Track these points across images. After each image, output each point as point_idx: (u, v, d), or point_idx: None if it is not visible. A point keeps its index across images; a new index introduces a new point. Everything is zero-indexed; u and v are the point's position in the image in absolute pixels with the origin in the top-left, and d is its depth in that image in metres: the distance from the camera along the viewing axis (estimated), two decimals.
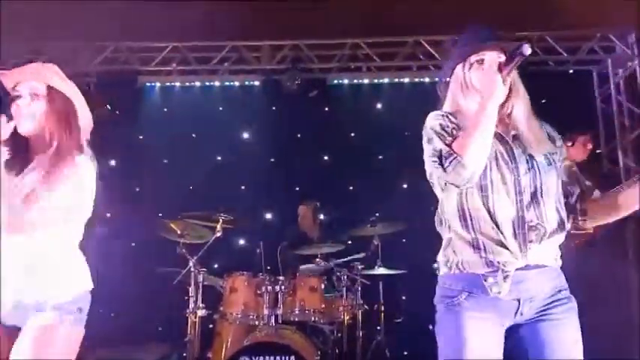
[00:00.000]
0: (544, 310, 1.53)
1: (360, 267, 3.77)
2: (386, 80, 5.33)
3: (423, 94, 5.20)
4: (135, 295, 4.88)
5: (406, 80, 5.31)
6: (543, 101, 5.40)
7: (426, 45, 5.15)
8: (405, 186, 5.19)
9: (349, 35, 5.11)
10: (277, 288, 3.54)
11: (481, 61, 1.61)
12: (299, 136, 5.42)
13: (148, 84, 5.37)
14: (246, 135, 5.53)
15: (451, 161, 1.48)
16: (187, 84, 5.41)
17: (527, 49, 1.44)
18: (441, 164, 1.50)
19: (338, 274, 3.79)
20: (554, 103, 4.83)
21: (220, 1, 4.54)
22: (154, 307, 4.51)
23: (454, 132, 1.55)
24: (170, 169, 5.28)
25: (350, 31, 5.07)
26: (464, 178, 1.47)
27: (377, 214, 4.55)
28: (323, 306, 3.62)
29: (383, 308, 4.02)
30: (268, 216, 5.38)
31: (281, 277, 3.60)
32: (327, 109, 5.41)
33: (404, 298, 4.72)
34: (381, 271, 4.00)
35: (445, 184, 1.55)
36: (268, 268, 3.95)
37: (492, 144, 1.53)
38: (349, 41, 5.17)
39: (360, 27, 4.99)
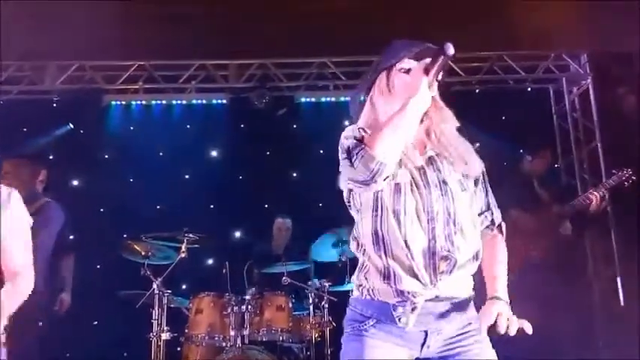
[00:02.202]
0: (452, 343, 1.48)
1: (327, 284, 3.78)
2: None
3: None
4: (100, 319, 4.81)
5: None
6: (503, 118, 5.67)
7: None
8: None
9: (316, 54, 5.21)
10: (243, 308, 3.53)
11: (407, 71, 1.54)
12: (267, 153, 5.46)
13: (113, 102, 5.32)
14: (214, 153, 5.53)
15: (358, 152, 1.40)
16: (154, 102, 5.38)
17: (450, 49, 1.38)
18: (349, 159, 1.42)
19: (306, 291, 3.80)
20: (513, 119, 5.12)
21: (186, 19, 4.59)
22: (119, 332, 4.39)
23: (363, 135, 1.49)
24: (136, 189, 5.21)
25: (317, 50, 5.16)
26: (372, 169, 1.37)
27: (346, 231, 4.61)
28: (291, 325, 3.62)
29: None
30: (237, 234, 5.35)
31: (247, 297, 3.59)
32: (295, 126, 5.48)
33: None
34: (350, 287, 4.02)
35: (361, 204, 1.52)
36: (237, 288, 3.93)
37: (407, 168, 1.48)
38: (316, 60, 5.27)
39: (326, 46, 5.10)
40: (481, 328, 1.46)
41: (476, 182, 1.57)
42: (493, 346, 1.52)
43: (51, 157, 5.13)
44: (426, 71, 1.44)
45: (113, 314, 4.39)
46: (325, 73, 5.33)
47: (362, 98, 1.64)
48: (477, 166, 1.57)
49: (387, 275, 1.46)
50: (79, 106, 5.10)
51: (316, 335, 3.72)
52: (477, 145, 1.65)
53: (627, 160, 5.04)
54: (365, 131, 1.52)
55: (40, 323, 4.60)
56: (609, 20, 4.75)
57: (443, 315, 1.46)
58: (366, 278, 1.52)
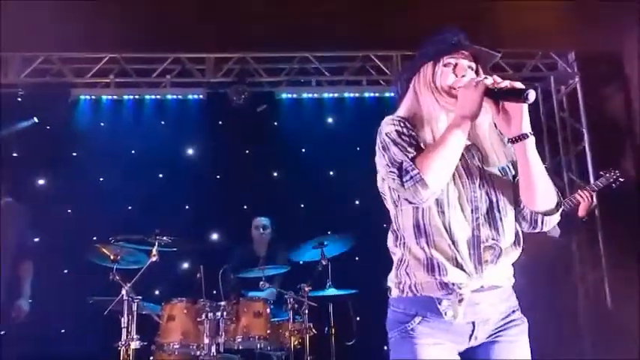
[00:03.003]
0: (498, 332, 1.52)
1: (307, 289, 3.70)
2: (336, 94, 5.36)
3: (374, 108, 5.30)
4: (67, 327, 4.65)
5: (356, 94, 5.34)
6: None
7: (376, 60, 5.23)
8: (357, 202, 5.20)
9: (298, 48, 5.13)
10: (218, 314, 3.44)
11: (451, 65, 1.55)
12: (247, 152, 5.35)
13: (82, 97, 5.15)
14: (190, 151, 5.40)
15: (412, 177, 1.39)
16: (125, 97, 5.23)
17: (532, 96, 1.40)
18: (400, 177, 1.41)
19: (285, 296, 3.72)
20: None
21: (161, 9, 4.45)
22: (86, 340, 4.24)
23: (412, 141, 1.47)
24: (107, 189, 5.05)
25: (299, 44, 5.08)
26: (422, 197, 1.39)
27: (328, 232, 4.54)
28: (269, 331, 3.55)
29: (333, 331, 3.96)
30: (214, 237, 5.22)
31: (222, 303, 3.50)
32: (276, 123, 5.39)
33: (358, 319, 4.68)
34: (330, 291, 3.96)
35: (399, 197, 1.50)
36: (214, 292, 3.82)
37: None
38: (298, 55, 5.19)
39: (309, 40, 5.01)
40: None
41: (515, 166, 1.54)
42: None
43: (15, 155, 4.94)
44: (488, 94, 1.44)
45: (81, 322, 4.25)
46: (307, 68, 5.25)
47: (400, 88, 1.64)
48: (509, 154, 1.57)
49: (430, 267, 1.47)
50: (46, 101, 4.94)
51: (296, 342, 3.65)
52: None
53: (615, 161, 5.09)
54: (406, 126, 1.51)
55: (3, 332, 4.45)
56: (597, 19, 4.77)
57: (489, 304, 1.48)
58: (407, 273, 1.51)
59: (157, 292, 4.62)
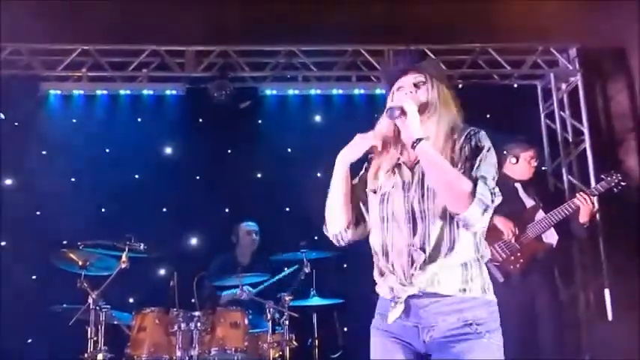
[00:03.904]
0: (447, 341, 1.59)
1: (287, 298, 3.59)
2: (324, 91, 5.23)
3: (364, 105, 5.18)
4: (31, 336, 4.51)
5: (346, 91, 5.20)
6: (488, 116, 5.50)
7: (366, 54, 5.10)
8: None
9: (283, 42, 5.00)
10: (192, 325, 3.34)
11: (401, 88, 1.77)
12: (229, 151, 5.21)
13: (52, 91, 4.98)
14: (168, 150, 5.23)
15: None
16: (99, 92, 5.06)
17: (392, 113, 1.66)
18: None
19: (266, 306, 3.60)
20: (499, 117, 4.96)
21: None
22: (50, 352, 4.13)
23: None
24: (78, 190, 4.90)
25: (284, 37, 4.95)
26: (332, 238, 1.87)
27: (315, 238, 4.41)
28: (246, 344, 3.45)
29: (317, 342, 3.89)
30: (194, 241, 5.07)
31: (197, 313, 3.39)
32: (260, 121, 5.24)
33: (346, 329, 4.54)
34: (314, 301, 3.85)
35: None
36: (193, 301, 3.67)
37: (392, 174, 1.71)
38: (283, 48, 5.05)
39: (295, 33, 4.88)
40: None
41: None
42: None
43: None
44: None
45: (47, 332, 4.10)
46: (294, 62, 5.13)
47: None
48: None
49: (381, 273, 1.73)
50: (13, 95, 4.76)
51: (276, 355, 3.57)
52: None
53: (618, 163, 4.97)
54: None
55: None
56: (600, 13, 4.66)
57: (431, 312, 1.61)
58: (374, 277, 1.78)
59: (131, 301, 4.50)
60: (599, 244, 4.83)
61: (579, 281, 4.92)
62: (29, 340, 4.56)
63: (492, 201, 1.57)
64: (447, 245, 1.61)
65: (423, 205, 1.63)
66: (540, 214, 3.92)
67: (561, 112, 5.29)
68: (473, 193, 1.54)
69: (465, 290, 1.59)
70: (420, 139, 1.60)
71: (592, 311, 4.84)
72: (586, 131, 5.07)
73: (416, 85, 1.73)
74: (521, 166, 4.09)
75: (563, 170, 5.17)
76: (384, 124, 1.73)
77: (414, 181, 1.67)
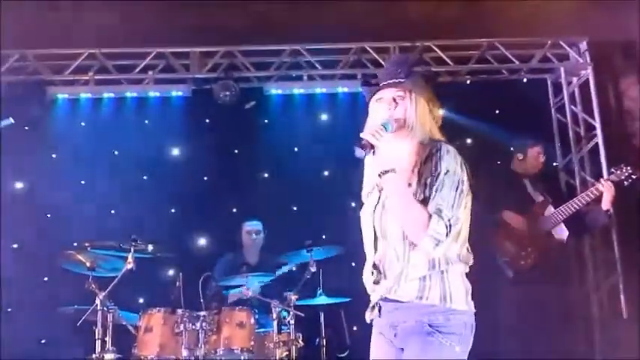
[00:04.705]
0: (402, 339, 1.78)
1: (293, 297, 3.63)
2: (329, 89, 5.24)
3: None
4: (47, 337, 4.58)
5: (351, 89, 5.23)
6: (497, 112, 5.48)
7: (372, 51, 5.11)
8: (353, 204, 5.07)
9: (288, 41, 5.03)
10: (198, 325, 3.39)
11: (381, 100, 1.85)
12: (236, 151, 5.27)
13: (60, 96, 5.10)
14: (175, 151, 5.32)
15: None
16: (106, 95, 5.16)
17: (357, 153, 1.71)
18: None
19: (272, 306, 3.65)
20: (508, 113, 4.95)
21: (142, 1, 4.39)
22: (60, 353, 4.23)
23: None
24: (88, 192, 5.01)
25: (289, 37, 4.98)
26: None
27: (323, 236, 4.44)
28: (253, 343, 3.50)
29: (324, 342, 3.91)
30: (202, 241, 5.15)
31: (203, 313, 3.45)
32: (266, 121, 5.29)
33: (355, 328, 4.58)
34: (321, 299, 3.89)
35: None
36: (201, 301, 3.74)
37: (371, 195, 1.87)
38: (288, 47, 5.08)
39: (299, 32, 4.91)
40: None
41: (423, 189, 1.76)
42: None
43: None
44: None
45: (57, 332, 4.20)
46: (299, 61, 5.16)
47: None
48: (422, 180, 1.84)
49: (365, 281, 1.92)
50: (23, 100, 4.87)
51: (283, 355, 3.59)
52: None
53: (632, 157, 4.92)
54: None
55: None
56: (610, 6, 4.62)
57: (397, 315, 1.79)
58: None
59: (140, 301, 4.59)
60: (612, 239, 4.80)
61: (592, 278, 4.89)
62: (42, 341, 4.68)
63: (448, 233, 1.66)
64: (401, 265, 1.74)
65: (382, 225, 1.79)
66: (550, 210, 3.92)
67: (572, 107, 5.26)
68: (425, 230, 1.65)
69: (421, 297, 1.72)
70: (386, 171, 1.69)
71: (606, 309, 4.80)
72: (598, 125, 5.04)
73: (395, 100, 1.81)
74: (528, 162, 4.12)
75: (575, 165, 5.15)
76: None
77: (379, 203, 1.82)
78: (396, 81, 1.83)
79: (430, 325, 1.70)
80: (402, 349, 1.81)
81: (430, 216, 1.65)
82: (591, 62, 5.10)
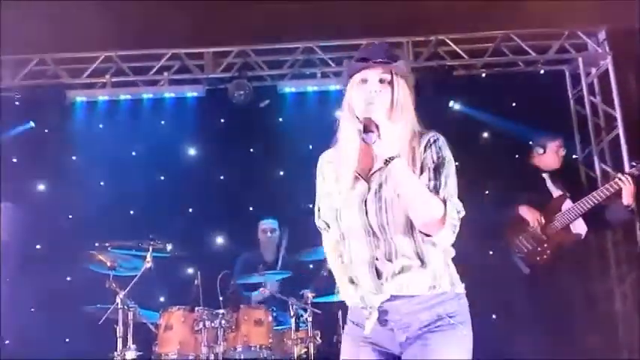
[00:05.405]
0: (418, 336, 1.64)
1: (310, 295, 3.69)
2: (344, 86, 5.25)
3: None
4: (67, 336, 4.75)
5: None
6: (513, 105, 5.43)
7: None
8: None
9: (301, 38, 5.08)
10: (217, 323, 3.48)
11: (364, 81, 1.69)
12: (251, 150, 5.35)
13: (79, 99, 5.22)
14: (191, 151, 5.43)
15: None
16: (123, 97, 5.27)
17: (368, 138, 1.58)
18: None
19: (289, 303, 3.72)
20: (525, 106, 4.91)
21: (156, 3, 4.45)
22: (82, 351, 4.31)
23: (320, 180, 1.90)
24: (108, 193, 5.13)
25: (301, 35, 5.02)
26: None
27: None
28: (271, 340, 3.57)
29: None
30: (220, 240, 5.23)
31: (221, 311, 3.54)
32: (280, 119, 5.35)
33: None
34: (339, 297, 3.88)
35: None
36: (221, 299, 3.82)
37: (352, 187, 1.68)
38: (301, 45, 5.12)
39: (312, 29, 4.93)
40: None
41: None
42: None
43: (14, 160, 5.05)
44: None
45: (80, 331, 4.31)
46: (312, 59, 5.20)
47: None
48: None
49: (350, 282, 1.73)
50: (42, 104, 5.02)
51: (301, 352, 3.65)
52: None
53: None
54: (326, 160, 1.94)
55: (7, 342, 4.58)
56: None
57: (406, 313, 1.64)
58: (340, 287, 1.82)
59: (161, 299, 4.69)
60: (634, 233, 4.74)
61: (614, 274, 4.83)
62: (67, 340, 4.82)
63: (459, 219, 1.61)
64: (416, 257, 1.63)
65: (381, 219, 1.64)
66: (568, 204, 3.87)
67: (591, 98, 5.20)
68: (444, 218, 1.57)
69: (434, 287, 1.63)
70: (392, 157, 1.56)
71: (629, 306, 4.75)
72: (618, 116, 4.99)
73: (381, 82, 1.66)
74: (549, 156, 4.05)
75: (595, 158, 5.10)
76: (352, 127, 1.71)
77: (370, 195, 1.66)
78: (388, 61, 1.65)
79: (449, 317, 1.63)
80: (397, 353, 1.68)
81: (445, 202, 1.58)
82: (610, 52, 5.04)
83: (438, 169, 1.62)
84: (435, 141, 1.66)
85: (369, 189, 1.67)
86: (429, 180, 1.61)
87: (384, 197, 1.65)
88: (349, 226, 1.69)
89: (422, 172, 1.63)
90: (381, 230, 1.64)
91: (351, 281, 1.71)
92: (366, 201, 1.66)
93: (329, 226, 1.81)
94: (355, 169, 1.68)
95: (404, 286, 1.63)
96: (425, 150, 1.65)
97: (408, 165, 1.60)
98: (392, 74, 1.65)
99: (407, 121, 1.66)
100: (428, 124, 1.75)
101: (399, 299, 1.64)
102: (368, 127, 1.56)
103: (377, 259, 1.65)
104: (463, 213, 1.63)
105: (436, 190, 1.59)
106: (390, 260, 1.64)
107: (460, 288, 1.69)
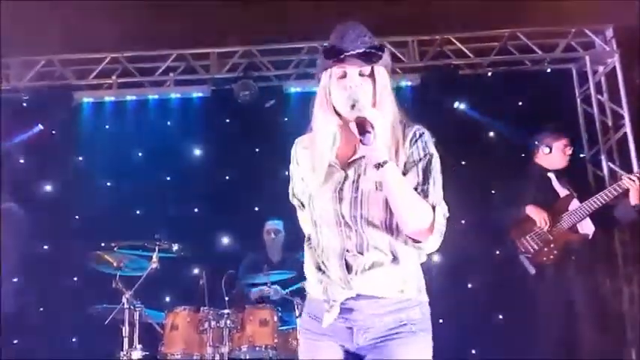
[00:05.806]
0: (380, 341, 1.60)
1: None
2: None
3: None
4: (75, 335, 4.81)
5: None
6: (520, 104, 5.42)
7: (390, 46, 5.11)
8: None
9: (306, 38, 5.08)
10: (222, 323, 3.49)
11: (343, 76, 1.63)
12: (256, 150, 5.36)
13: (85, 100, 5.27)
14: (197, 151, 5.45)
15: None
16: (129, 98, 5.32)
17: (366, 140, 1.50)
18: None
19: (294, 303, 3.75)
20: (532, 105, 4.90)
21: (162, 4, 4.48)
22: (88, 351, 4.38)
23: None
24: (114, 193, 5.19)
25: (306, 34, 5.02)
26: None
27: None
28: (276, 340, 3.58)
29: None
30: (225, 240, 5.25)
31: (226, 311, 3.55)
32: (286, 119, 5.34)
33: None
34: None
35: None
36: (226, 299, 3.84)
37: (326, 176, 1.63)
38: (306, 45, 5.14)
39: (317, 29, 4.93)
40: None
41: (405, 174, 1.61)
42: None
43: (21, 161, 5.10)
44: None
45: (87, 331, 4.36)
46: (317, 59, 5.15)
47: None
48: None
49: (319, 269, 1.66)
50: (49, 105, 5.06)
51: None
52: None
53: None
54: (299, 148, 1.87)
55: (15, 341, 4.63)
56: None
57: (367, 314, 1.59)
58: (306, 277, 1.75)
59: (166, 299, 4.72)
60: None
61: (622, 274, 4.80)
62: (73, 339, 4.87)
63: (445, 224, 1.60)
64: (390, 254, 1.59)
65: (355, 210, 1.58)
66: (575, 204, 3.86)
67: (599, 96, 5.18)
68: (433, 224, 1.55)
69: (402, 291, 1.59)
70: (385, 162, 1.51)
71: (637, 306, 4.72)
72: (626, 115, 4.97)
73: (362, 75, 1.60)
74: (555, 155, 4.02)
75: (603, 157, 5.07)
76: (329, 121, 1.65)
77: (346, 185, 1.60)
78: (366, 56, 1.57)
79: (411, 324, 1.59)
80: (357, 355, 1.62)
81: (434, 210, 1.55)
82: (618, 49, 5.02)
83: (426, 169, 1.58)
84: (420, 135, 1.61)
85: (347, 177, 1.61)
86: (418, 183, 1.57)
87: (360, 188, 1.59)
88: (321, 214, 1.63)
89: (407, 167, 1.59)
90: (353, 221, 1.59)
91: (319, 268, 1.64)
92: (341, 190, 1.61)
93: (303, 205, 1.76)
94: (330, 161, 1.63)
95: (372, 286, 1.58)
96: (411, 145, 1.60)
97: (392, 159, 1.54)
98: (371, 65, 1.59)
99: (389, 111, 1.59)
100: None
101: (364, 299, 1.58)
102: (363, 127, 1.49)
103: (347, 250, 1.59)
104: (447, 215, 1.62)
105: (425, 194, 1.56)
106: (361, 252, 1.58)
107: (424, 296, 1.65)
